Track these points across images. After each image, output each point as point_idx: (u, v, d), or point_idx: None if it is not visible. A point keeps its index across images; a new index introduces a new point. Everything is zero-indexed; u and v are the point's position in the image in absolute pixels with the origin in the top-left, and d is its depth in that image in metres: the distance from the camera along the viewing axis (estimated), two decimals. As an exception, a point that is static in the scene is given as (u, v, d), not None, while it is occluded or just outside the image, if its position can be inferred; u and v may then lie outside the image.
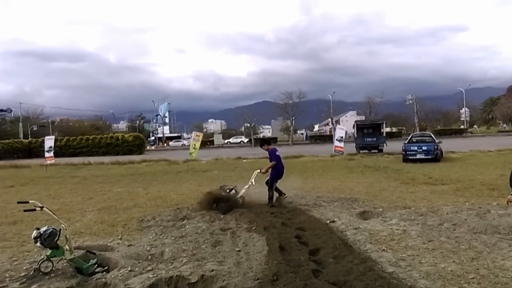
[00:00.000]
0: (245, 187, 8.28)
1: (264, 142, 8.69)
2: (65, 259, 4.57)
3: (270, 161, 8.36)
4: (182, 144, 73.37)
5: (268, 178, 8.38)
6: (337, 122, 73.22)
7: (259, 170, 8.54)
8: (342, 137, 20.30)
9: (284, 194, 8.52)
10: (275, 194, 8.35)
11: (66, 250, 4.58)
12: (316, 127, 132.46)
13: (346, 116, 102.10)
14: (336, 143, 20.34)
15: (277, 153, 8.45)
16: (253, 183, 8.36)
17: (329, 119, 73.29)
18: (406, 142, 20.10)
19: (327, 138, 64.77)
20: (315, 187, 11.05)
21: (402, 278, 4.03)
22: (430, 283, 3.91)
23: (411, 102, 68.95)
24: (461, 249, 4.93)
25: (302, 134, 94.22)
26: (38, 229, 4.54)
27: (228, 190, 8.14)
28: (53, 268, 4.46)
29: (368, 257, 4.66)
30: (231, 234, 6.05)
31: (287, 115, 65.64)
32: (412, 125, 68.98)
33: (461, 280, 3.97)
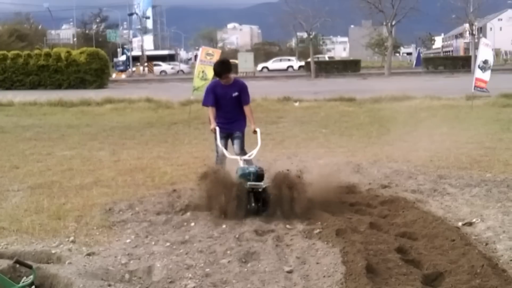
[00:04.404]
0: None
1: (227, 67, 8.55)
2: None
3: (246, 102, 8.57)
4: (178, 71, 74.13)
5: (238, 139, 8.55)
6: (480, 31, 70.87)
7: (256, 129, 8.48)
8: (486, 61, 19.81)
9: None
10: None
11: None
12: (439, 41, 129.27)
13: (499, 20, 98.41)
14: (478, 72, 19.92)
15: None
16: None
17: (466, 25, 70.76)
18: None
19: (460, 63, 63.19)
20: (435, 157, 10.99)
21: None
22: None
23: None
24: None
25: (409, 54, 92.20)
26: None
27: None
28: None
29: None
30: (275, 241, 6.20)
31: (381, 16, 64.07)
32: None
33: None
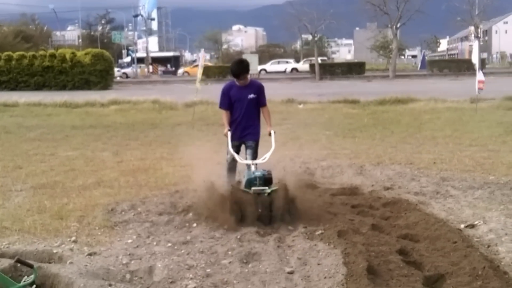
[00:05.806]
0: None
1: (245, 67, 7.97)
2: (-20, 273, 4.85)
3: (263, 103, 8.20)
4: (183, 72, 74.56)
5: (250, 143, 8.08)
6: (486, 34, 70.74)
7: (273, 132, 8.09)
8: (475, 64, 21.09)
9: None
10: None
11: (-18, 257, 4.85)
12: (444, 44, 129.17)
13: (505, 23, 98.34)
14: (480, 74, 20.44)
15: None
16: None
17: (471, 28, 70.73)
18: None
19: (465, 66, 63.13)
20: (438, 159, 11.01)
21: None
22: None
23: None
24: None
25: (414, 57, 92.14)
26: None
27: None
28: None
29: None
30: (276, 242, 6.20)
31: (386, 18, 64.07)
32: None
33: None
